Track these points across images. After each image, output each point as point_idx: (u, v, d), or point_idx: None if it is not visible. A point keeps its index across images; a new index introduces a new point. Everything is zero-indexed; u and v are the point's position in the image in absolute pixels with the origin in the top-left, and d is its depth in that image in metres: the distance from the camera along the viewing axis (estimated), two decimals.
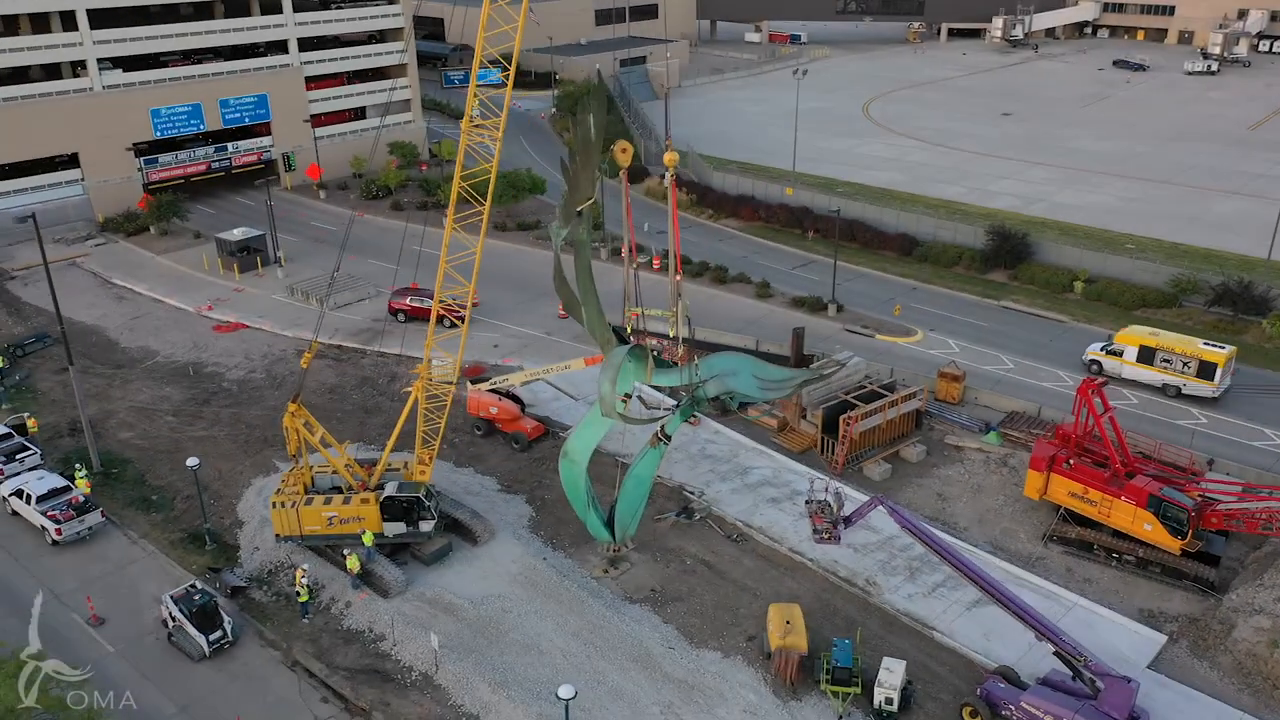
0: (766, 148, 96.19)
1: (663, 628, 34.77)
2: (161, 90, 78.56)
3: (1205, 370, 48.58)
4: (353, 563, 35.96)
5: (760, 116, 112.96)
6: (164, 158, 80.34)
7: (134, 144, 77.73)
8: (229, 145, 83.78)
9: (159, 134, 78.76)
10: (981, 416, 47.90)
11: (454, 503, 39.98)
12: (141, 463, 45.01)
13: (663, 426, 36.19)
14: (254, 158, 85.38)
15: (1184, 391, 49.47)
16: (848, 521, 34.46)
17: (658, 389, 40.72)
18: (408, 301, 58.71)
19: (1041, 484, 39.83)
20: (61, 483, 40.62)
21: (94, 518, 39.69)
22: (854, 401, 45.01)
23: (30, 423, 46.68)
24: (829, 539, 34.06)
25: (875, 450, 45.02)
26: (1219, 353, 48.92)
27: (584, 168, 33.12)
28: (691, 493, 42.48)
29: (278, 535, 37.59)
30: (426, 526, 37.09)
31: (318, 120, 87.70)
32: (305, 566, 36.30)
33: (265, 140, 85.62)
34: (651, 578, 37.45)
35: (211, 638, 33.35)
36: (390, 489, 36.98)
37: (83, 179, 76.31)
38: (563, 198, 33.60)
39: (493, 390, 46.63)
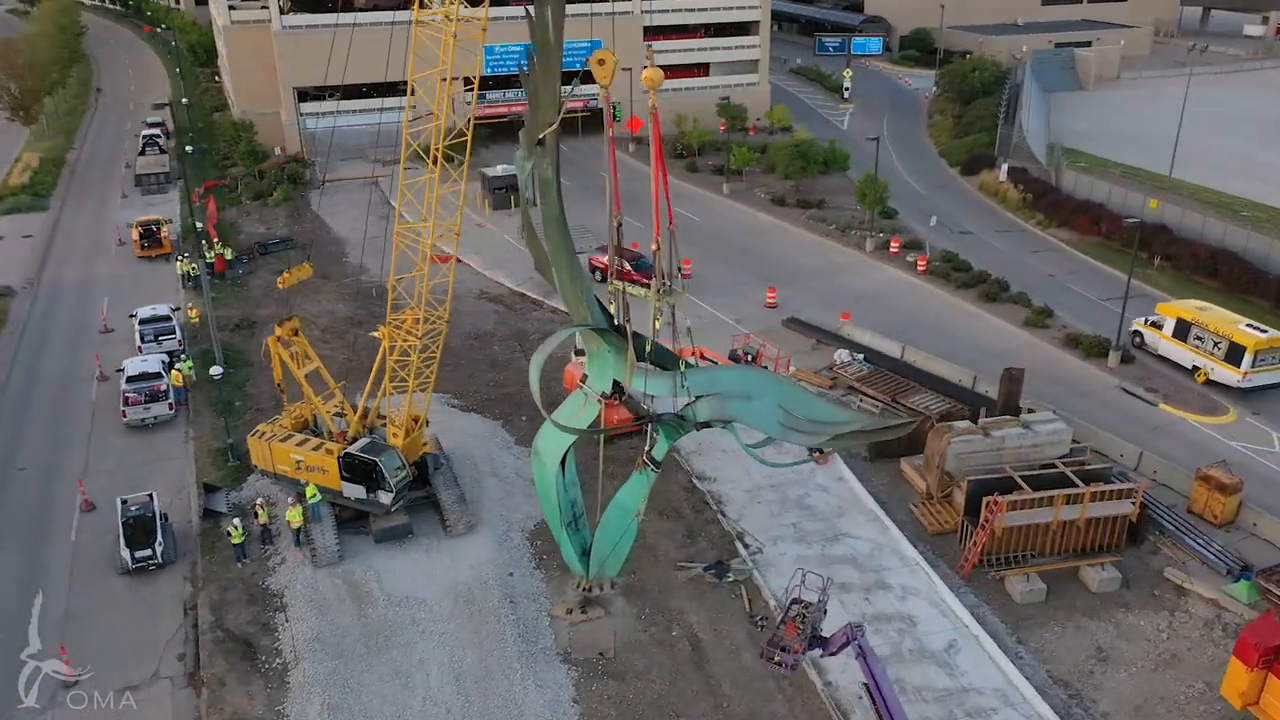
0: (1185, 158, 75.29)
1: (565, 708, 25.95)
2: (498, 27, 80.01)
3: (1233, 354, 40.76)
4: (293, 515, 31.64)
5: (1204, 119, 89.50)
6: (492, 94, 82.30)
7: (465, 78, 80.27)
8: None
9: (489, 70, 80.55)
10: (1246, 555, 31.09)
11: (450, 481, 33.93)
12: (253, 368, 44.75)
13: (648, 449, 27.05)
14: (580, 104, 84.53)
15: (1212, 377, 41.77)
16: (822, 646, 22.91)
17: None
18: (599, 258, 53.09)
19: (1249, 687, 24.08)
20: (157, 369, 41.29)
21: (161, 408, 39.77)
22: (1018, 481, 31.21)
23: (192, 313, 48.76)
24: (781, 664, 22.76)
25: (1037, 559, 30.94)
26: (1254, 336, 40.59)
27: (544, 79, 25.09)
28: (747, 544, 32.25)
29: (254, 467, 34.56)
30: (384, 498, 31.59)
31: None
32: (262, 502, 32.64)
33: (594, 88, 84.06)
34: (615, 636, 28.57)
35: (137, 554, 31.06)
36: (357, 446, 31.99)
37: (414, 106, 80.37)
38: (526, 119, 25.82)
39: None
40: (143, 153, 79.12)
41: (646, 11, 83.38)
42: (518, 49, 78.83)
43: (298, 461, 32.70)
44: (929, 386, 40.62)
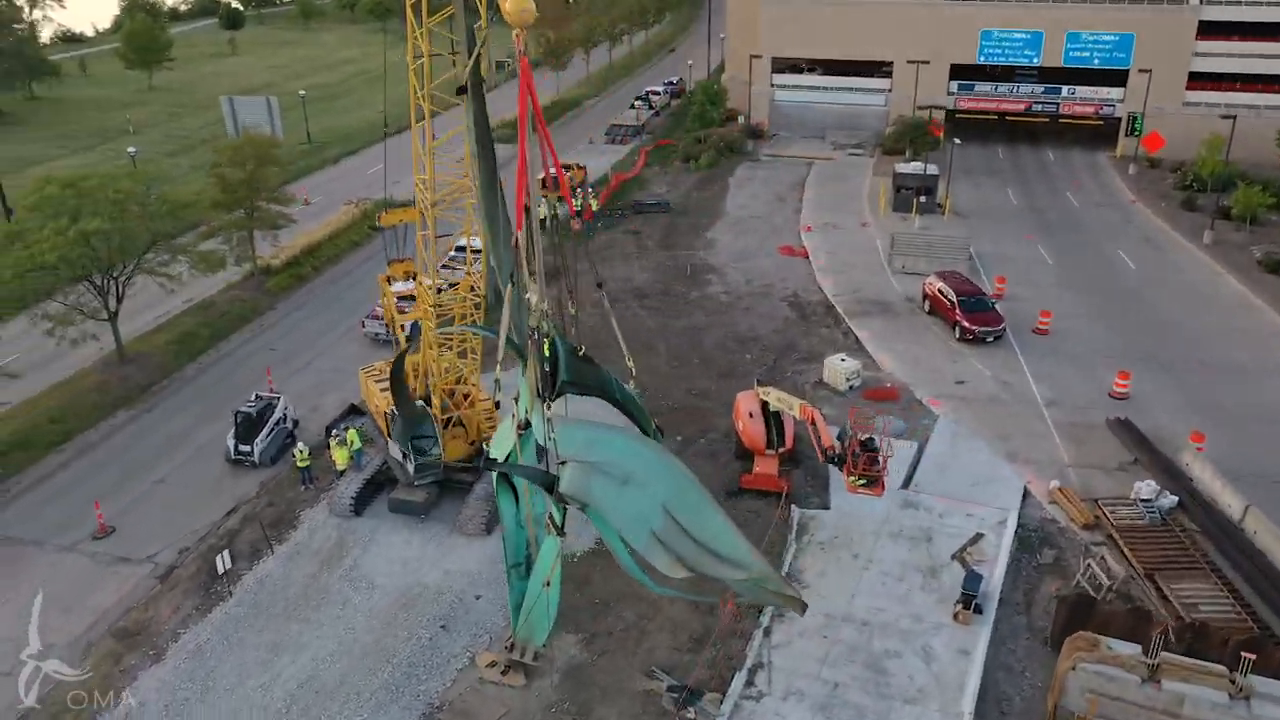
0: None
1: None
2: (1001, 10, 68.99)
3: None
4: (339, 455, 30.63)
5: None
6: (981, 86, 71.63)
7: (952, 65, 71.01)
8: (1062, 89, 69.99)
9: (982, 59, 70.12)
10: None
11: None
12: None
13: (549, 510, 20.87)
14: (1090, 109, 69.83)
15: None
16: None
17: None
18: (935, 286, 43.05)
19: None
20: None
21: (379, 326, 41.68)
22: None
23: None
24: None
25: None
26: None
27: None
28: (753, 682, 23.55)
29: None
30: (409, 466, 28.98)
31: (1201, 82, 66.46)
32: (302, 446, 31.76)
33: (1113, 92, 68.88)
34: (521, 715, 22.88)
35: (240, 448, 32.94)
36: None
37: (889, 90, 73.44)
38: None
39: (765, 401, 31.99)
40: (632, 105, 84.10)
41: (1206, 3, 65.25)
42: (1020, 36, 67.49)
43: (377, 406, 31.72)
44: (1225, 580, 25.83)
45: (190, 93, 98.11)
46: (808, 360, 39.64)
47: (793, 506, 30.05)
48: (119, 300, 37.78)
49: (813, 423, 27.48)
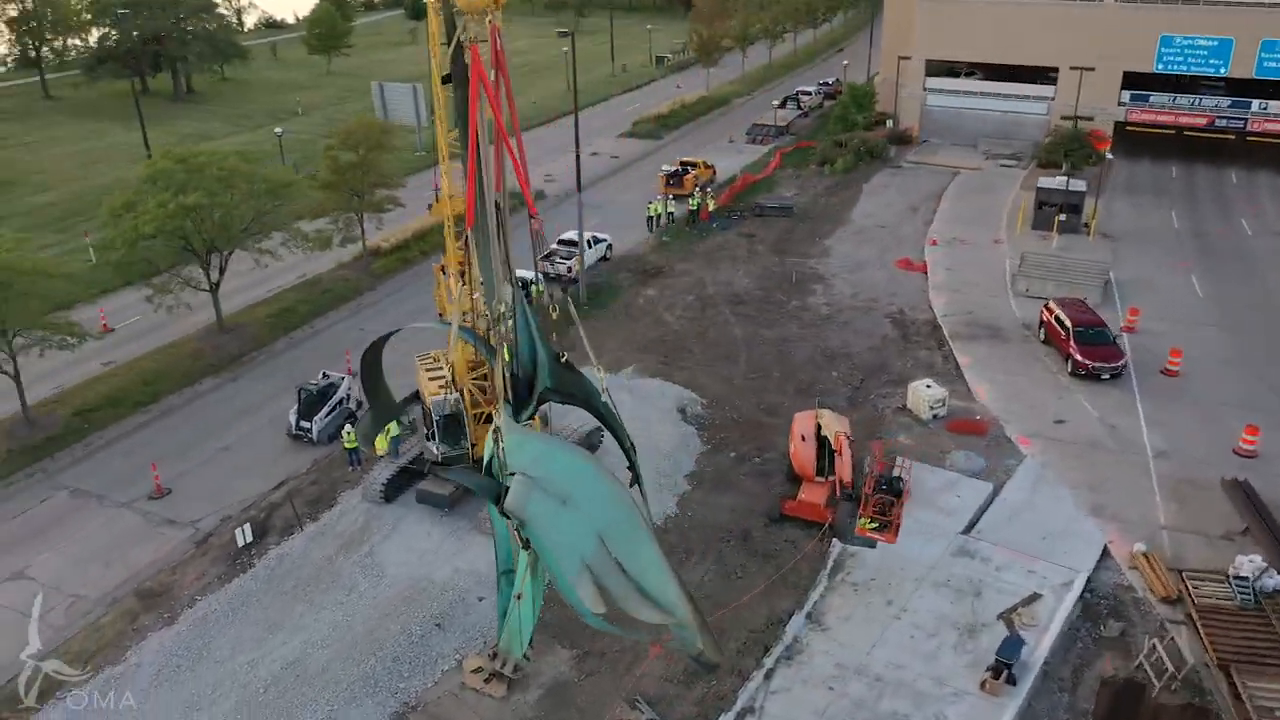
0: None
1: None
2: (1184, 15, 62.53)
3: None
4: (380, 442, 30.67)
5: None
6: (1157, 97, 65.27)
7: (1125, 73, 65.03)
8: (1253, 103, 62.81)
9: (1160, 67, 63.84)
10: None
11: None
12: (611, 309, 44.32)
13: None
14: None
15: None
16: None
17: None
18: (1052, 313, 39.25)
19: None
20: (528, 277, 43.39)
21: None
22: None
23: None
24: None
25: None
26: None
27: None
28: None
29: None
30: (432, 450, 28.55)
31: None
32: (349, 429, 31.76)
33: None
34: None
35: (300, 424, 33.72)
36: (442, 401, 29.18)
37: (1052, 98, 68.04)
38: None
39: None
40: (783, 105, 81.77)
41: None
42: (1206, 43, 61.06)
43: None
44: None
45: (361, 78, 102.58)
46: (897, 384, 36.95)
47: (834, 540, 27.90)
48: (221, 272, 39.47)
49: (839, 452, 25.37)
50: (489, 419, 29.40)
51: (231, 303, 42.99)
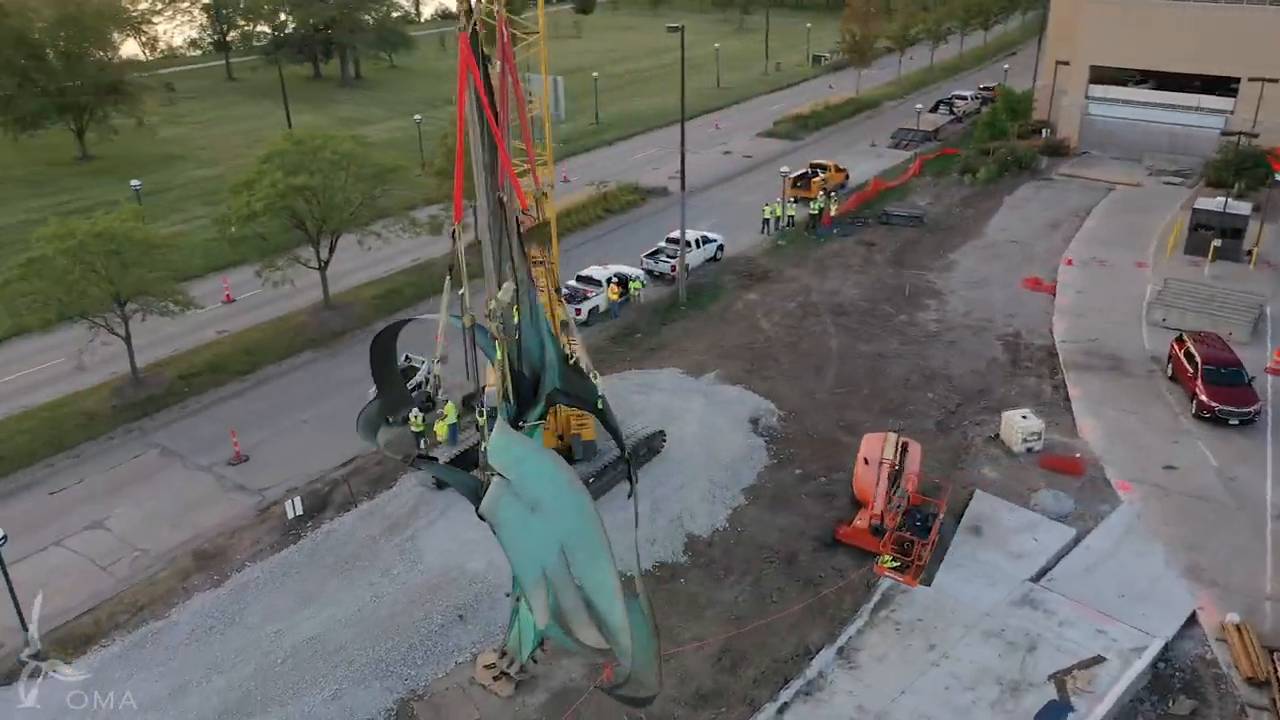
0: None
1: None
2: None
3: None
4: (440, 428, 30.94)
5: None
6: None
7: None
8: None
9: None
10: None
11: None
12: (711, 310, 43.49)
13: None
14: None
15: None
16: None
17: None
18: (1182, 347, 35.65)
19: None
20: (600, 278, 43.23)
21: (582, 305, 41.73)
22: None
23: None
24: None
25: None
26: None
27: None
28: None
29: None
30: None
31: None
32: (416, 412, 31.95)
33: None
34: None
35: (403, 411, 34.53)
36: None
37: (1231, 111, 61.99)
38: None
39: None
40: (934, 109, 78.33)
41: None
42: None
43: None
44: None
45: (524, 67, 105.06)
46: (995, 411, 34.48)
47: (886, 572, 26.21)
48: (330, 251, 40.98)
49: (878, 480, 23.75)
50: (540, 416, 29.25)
51: (345, 283, 44.64)
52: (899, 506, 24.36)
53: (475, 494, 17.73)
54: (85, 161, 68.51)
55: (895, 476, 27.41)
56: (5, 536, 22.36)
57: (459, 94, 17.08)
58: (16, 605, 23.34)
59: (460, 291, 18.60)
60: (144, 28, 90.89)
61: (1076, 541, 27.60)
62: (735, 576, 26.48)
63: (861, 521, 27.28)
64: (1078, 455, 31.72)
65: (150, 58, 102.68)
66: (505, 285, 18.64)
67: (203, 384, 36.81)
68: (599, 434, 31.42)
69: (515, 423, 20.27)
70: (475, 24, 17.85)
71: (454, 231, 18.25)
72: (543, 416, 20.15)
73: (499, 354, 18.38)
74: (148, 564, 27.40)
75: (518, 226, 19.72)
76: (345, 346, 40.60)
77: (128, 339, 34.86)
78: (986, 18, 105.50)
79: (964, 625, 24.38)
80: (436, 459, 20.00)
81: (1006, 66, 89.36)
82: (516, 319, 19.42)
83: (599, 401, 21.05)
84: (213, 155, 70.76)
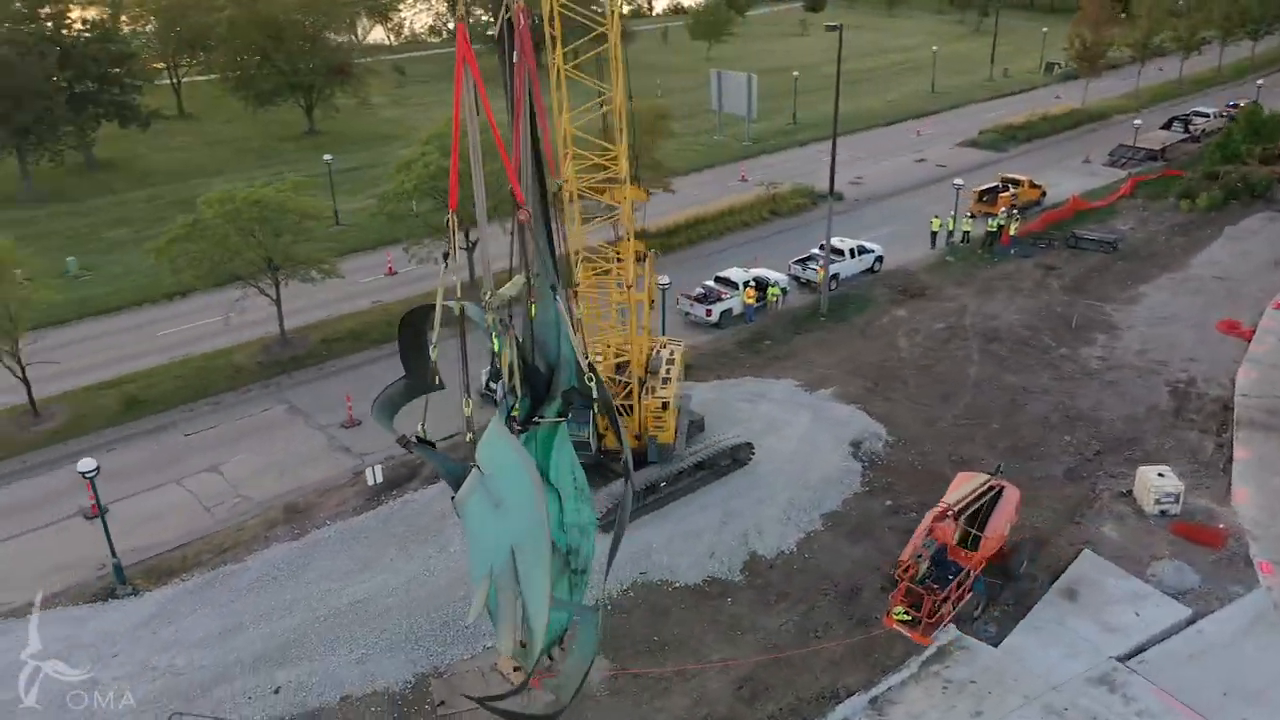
0: None
1: None
2: None
3: None
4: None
5: None
6: None
7: None
8: None
9: None
10: None
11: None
12: (853, 323, 41.57)
13: None
14: None
15: None
16: None
17: None
18: None
19: None
20: (735, 281, 42.25)
21: (701, 311, 41.07)
22: None
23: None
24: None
25: None
26: None
27: None
28: None
29: None
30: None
31: None
32: None
33: None
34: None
35: (488, 384, 35.40)
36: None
37: None
38: None
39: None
40: (1167, 126, 71.13)
41: None
42: None
43: None
44: None
45: (729, 64, 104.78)
46: (1139, 464, 30.81)
47: (952, 624, 24.05)
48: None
49: (918, 531, 21.76)
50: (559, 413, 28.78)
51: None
52: (919, 556, 22.14)
53: (457, 483, 17.73)
54: (310, 136, 74.60)
55: (975, 517, 25.07)
56: (98, 468, 24.71)
57: (456, 81, 17.02)
58: (107, 531, 25.72)
59: (454, 277, 18.54)
60: (389, 14, 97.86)
61: (1190, 623, 24.22)
62: (787, 604, 25.15)
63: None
64: (1220, 526, 27.81)
65: (394, 43, 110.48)
66: (515, 279, 18.45)
67: (342, 349, 39.14)
68: (697, 438, 30.98)
69: (530, 418, 20.20)
70: (510, 12, 17.73)
71: (448, 220, 18.25)
72: (562, 414, 19.81)
73: (502, 345, 18.26)
74: (245, 510, 29.47)
75: (547, 220, 19.46)
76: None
77: (278, 301, 37.58)
78: (1256, 27, 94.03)
79: (1024, 695, 21.97)
80: (433, 443, 20.09)
81: (1261, 83, 79.48)
82: (533, 312, 19.21)
83: (611, 406, 20.52)
84: (422, 136, 75.02)
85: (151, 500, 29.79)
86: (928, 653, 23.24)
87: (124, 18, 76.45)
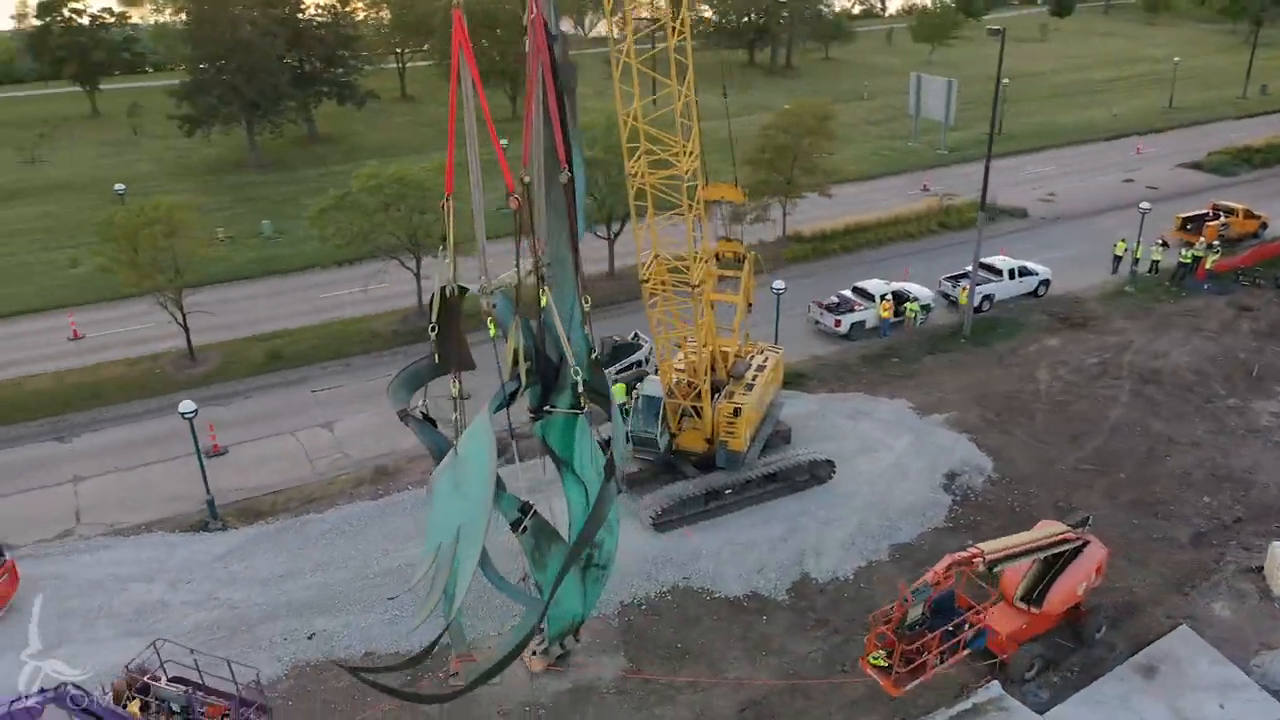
0: None
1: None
2: None
3: None
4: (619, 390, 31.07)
5: None
6: None
7: None
8: None
9: None
10: None
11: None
12: (965, 345, 38.74)
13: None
14: None
15: None
16: None
17: None
18: None
19: None
20: (873, 293, 40.46)
21: (830, 320, 39.66)
22: None
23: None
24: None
25: None
26: None
27: None
28: None
29: None
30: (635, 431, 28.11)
31: None
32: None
33: None
34: (501, 690, 22.45)
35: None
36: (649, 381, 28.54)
37: None
38: None
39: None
40: None
41: None
42: None
43: None
44: None
45: (951, 69, 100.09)
46: (1276, 537, 27.09)
47: (997, 682, 22.13)
48: (620, 226, 43.04)
49: (938, 582, 20.01)
50: (697, 412, 28.41)
51: (630, 259, 46.45)
52: (906, 599, 20.07)
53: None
54: (517, 121, 78.04)
55: (1045, 572, 22.86)
56: (196, 410, 27.12)
57: (452, 71, 17.33)
58: (203, 470, 28.19)
59: (448, 261, 18.98)
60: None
61: None
62: (823, 632, 24.00)
63: (995, 619, 23.08)
64: None
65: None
66: (515, 269, 18.67)
67: (475, 323, 40.66)
68: (778, 449, 30.05)
69: (541, 408, 20.39)
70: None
71: (443, 204, 18.60)
72: (574, 406, 19.86)
73: (509, 333, 18.53)
74: (342, 466, 31.45)
75: (571, 211, 19.52)
76: (622, 312, 41.91)
77: (417, 275, 39.66)
78: None
79: None
80: (434, 421, 20.57)
81: None
82: (544, 301, 19.38)
83: (611, 399, 20.36)
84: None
85: (267, 446, 32.39)
86: (960, 707, 21.52)
87: (359, 4, 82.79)
